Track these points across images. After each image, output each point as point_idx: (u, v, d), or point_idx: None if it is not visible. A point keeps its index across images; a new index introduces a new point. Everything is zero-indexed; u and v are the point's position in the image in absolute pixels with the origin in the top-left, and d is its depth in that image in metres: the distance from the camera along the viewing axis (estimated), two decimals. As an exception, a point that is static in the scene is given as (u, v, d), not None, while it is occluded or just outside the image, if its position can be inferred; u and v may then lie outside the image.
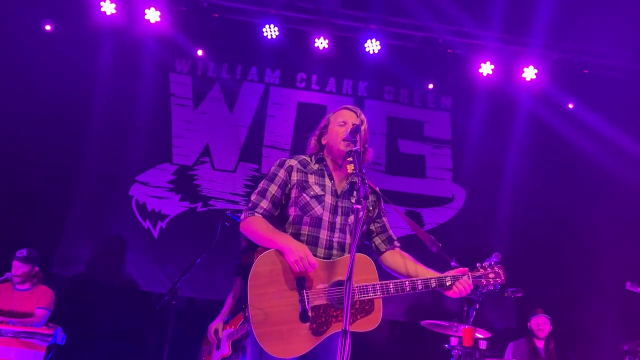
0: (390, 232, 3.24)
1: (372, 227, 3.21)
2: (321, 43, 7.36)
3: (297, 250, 2.81)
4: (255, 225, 2.99)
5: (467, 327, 5.30)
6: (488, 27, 7.23)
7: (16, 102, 6.99)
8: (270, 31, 7.29)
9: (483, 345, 5.49)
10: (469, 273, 2.95)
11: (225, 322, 5.11)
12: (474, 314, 5.34)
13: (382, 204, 3.23)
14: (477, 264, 2.99)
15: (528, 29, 7.17)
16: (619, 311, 6.79)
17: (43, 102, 7.02)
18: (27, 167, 6.94)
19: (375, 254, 3.21)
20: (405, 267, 3.09)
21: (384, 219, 3.24)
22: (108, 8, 7.03)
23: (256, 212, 3.03)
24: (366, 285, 2.83)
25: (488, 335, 5.42)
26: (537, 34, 7.15)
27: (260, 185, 3.12)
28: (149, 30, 7.23)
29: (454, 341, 5.44)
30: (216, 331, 5.03)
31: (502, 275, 2.96)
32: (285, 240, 2.88)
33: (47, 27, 7.22)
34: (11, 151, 6.91)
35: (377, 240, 3.21)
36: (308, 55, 7.55)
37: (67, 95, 7.13)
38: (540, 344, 6.24)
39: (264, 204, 3.04)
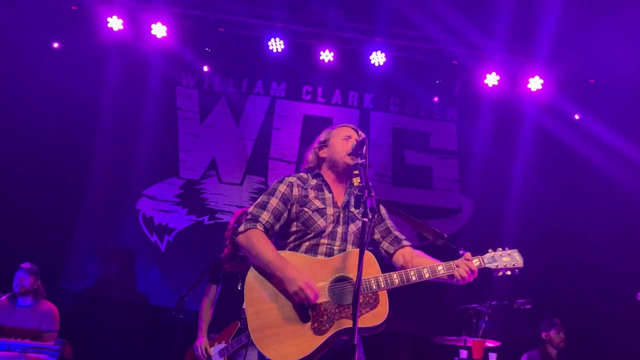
0: (396, 232, 3.18)
1: (377, 233, 3.18)
2: (326, 56, 7.40)
3: (297, 281, 2.72)
4: (256, 242, 2.87)
5: (476, 339, 5.25)
6: (493, 38, 7.23)
7: (25, 117, 7.04)
8: (276, 44, 7.33)
9: (493, 357, 5.44)
10: (480, 257, 2.84)
11: (212, 338, 4.99)
12: (483, 326, 5.30)
13: (382, 208, 3.20)
14: (489, 249, 2.89)
15: (533, 39, 7.15)
16: (631, 322, 6.71)
17: (51, 117, 7.06)
18: (34, 182, 6.98)
19: (387, 260, 3.16)
20: (417, 262, 2.99)
21: (387, 221, 3.20)
22: (115, 24, 7.10)
23: (258, 223, 2.93)
24: (369, 279, 2.77)
25: (497, 344, 5.36)
26: (542, 44, 7.14)
27: (260, 199, 3.04)
28: (155, 45, 7.29)
29: (463, 354, 5.39)
30: (205, 349, 4.91)
31: (518, 259, 2.84)
32: (284, 268, 2.77)
33: (55, 45, 7.30)
34: (19, 165, 6.96)
35: (385, 244, 3.16)
36: (314, 68, 7.60)
37: (75, 110, 7.20)
38: (554, 354, 6.20)
39: (266, 215, 2.95)
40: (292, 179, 3.11)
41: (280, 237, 3.07)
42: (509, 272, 2.84)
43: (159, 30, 7.13)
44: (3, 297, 5.29)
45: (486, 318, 5.32)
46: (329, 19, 7.34)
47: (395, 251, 3.13)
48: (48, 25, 7.22)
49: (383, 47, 7.37)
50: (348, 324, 2.70)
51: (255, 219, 2.94)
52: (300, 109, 7.93)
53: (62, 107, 7.10)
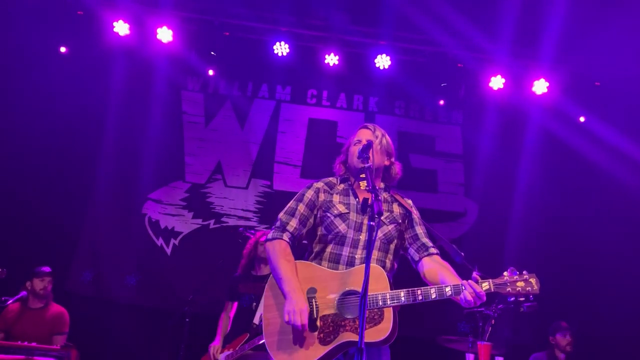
0: (424, 239, 3.15)
1: (406, 238, 3.18)
2: (331, 59, 7.40)
3: (294, 304, 2.82)
4: (276, 255, 3.02)
5: (483, 343, 5.23)
6: (498, 41, 7.20)
7: (32, 121, 7.08)
8: (281, 48, 7.34)
9: (500, 361, 5.42)
10: (491, 280, 2.74)
11: (224, 346, 5.10)
12: (490, 329, 5.27)
13: (414, 214, 3.19)
14: (503, 272, 2.76)
15: (538, 42, 7.11)
16: (637, 325, 6.68)
17: (58, 122, 7.11)
18: (41, 186, 7.03)
19: (414, 266, 3.16)
20: (436, 275, 2.95)
21: (416, 228, 3.17)
22: (121, 29, 7.12)
23: (285, 232, 3.08)
24: (376, 295, 2.77)
25: (503, 351, 5.35)
26: (547, 47, 7.10)
27: (289, 205, 3.17)
28: (161, 49, 7.30)
29: (470, 357, 5.37)
30: (215, 353, 5.03)
31: (534, 285, 2.71)
32: (290, 289, 2.88)
33: (62, 49, 7.33)
34: (25, 169, 7.01)
35: (411, 251, 3.15)
36: (318, 72, 7.59)
37: (81, 114, 7.25)
38: (562, 358, 6.18)
39: (294, 222, 3.10)
40: (319, 184, 3.22)
41: (309, 241, 3.18)
42: (522, 298, 2.72)
43: (164, 34, 7.15)
44: (11, 300, 5.31)
45: (493, 321, 5.30)
46: (334, 23, 7.34)
47: (421, 259, 3.11)
48: (55, 30, 7.24)
49: (388, 50, 7.36)
50: (350, 337, 2.76)
51: (283, 228, 3.10)
52: (305, 112, 7.93)
53: (69, 111, 7.14)
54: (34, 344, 4.94)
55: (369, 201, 2.66)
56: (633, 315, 6.74)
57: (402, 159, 7.69)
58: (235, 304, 5.29)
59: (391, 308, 2.76)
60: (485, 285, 2.74)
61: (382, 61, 7.36)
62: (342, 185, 3.21)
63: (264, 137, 7.78)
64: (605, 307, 7.00)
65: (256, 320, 4.90)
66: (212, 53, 7.43)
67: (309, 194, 3.17)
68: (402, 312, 2.86)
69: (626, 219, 7.15)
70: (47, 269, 5.64)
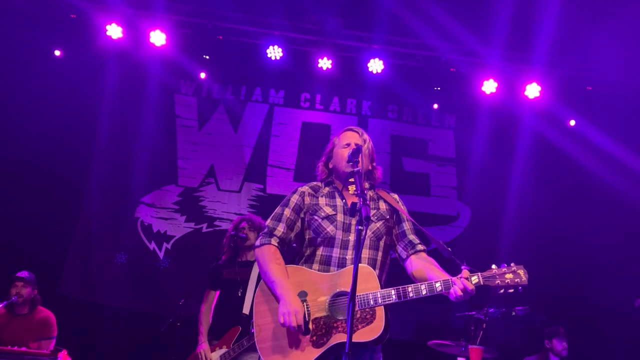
0: (411, 236, 3.15)
1: (393, 235, 3.18)
2: (325, 63, 7.42)
3: (289, 305, 2.82)
4: (266, 259, 3.03)
5: (474, 346, 5.24)
6: (491, 45, 7.24)
7: (25, 125, 7.07)
8: (274, 52, 7.35)
9: (491, 365, 5.42)
10: (480, 274, 2.75)
11: (212, 344, 4.99)
12: (481, 333, 5.28)
13: (401, 208, 3.19)
14: (492, 265, 2.79)
15: (531, 46, 7.16)
16: (629, 330, 6.70)
17: (51, 125, 7.10)
18: (34, 189, 7.00)
19: (401, 263, 3.15)
20: (423, 272, 2.95)
21: (403, 224, 3.18)
22: (114, 32, 7.10)
23: (273, 237, 3.10)
24: (367, 294, 2.78)
25: (495, 354, 5.35)
26: (540, 51, 7.15)
27: (275, 211, 3.20)
28: (154, 52, 7.30)
29: (461, 361, 5.37)
30: (205, 355, 4.93)
31: (523, 276, 2.74)
32: (283, 291, 2.89)
33: (57, 53, 7.31)
34: (19, 172, 6.98)
35: (399, 249, 3.16)
36: (312, 76, 7.62)
37: (74, 118, 7.25)
38: (556, 362, 6.22)
39: (281, 227, 3.12)
40: (304, 188, 3.23)
41: (299, 245, 3.19)
42: (511, 290, 2.75)
43: (157, 37, 7.14)
44: (0, 306, 5.27)
45: (484, 325, 5.31)
46: (327, 27, 7.36)
47: (408, 256, 3.12)
48: (49, 33, 7.23)
49: (381, 55, 7.39)
50: (343, 338, 2.75)
51: (270, 233, 3.12)
52: (298, 116, 7.94)
53: (63, 114, 7.13)
54: (24, 348, 4.91)
55: (358, 205, 2.66)
56: (625, 317, 6.75)
57: (395, 163, 7.83)
58: (217, 294, 5.18)
59: (382, 307, 2.76)
60: (475, 278, 2.75)
61: (375, 65, 7.39)
62: (327, 189, 3.22)
63: (257, 140, 7.78)
64: (596, 310, 7.02)
65: (246, 310, 4.83)
66: (206, 56, 7.43)
67: (295, 198, 3.18)
68: (394, 316, 2.86)
69: (618, 222, 7.18)
70: (23, 274, 5.56)
